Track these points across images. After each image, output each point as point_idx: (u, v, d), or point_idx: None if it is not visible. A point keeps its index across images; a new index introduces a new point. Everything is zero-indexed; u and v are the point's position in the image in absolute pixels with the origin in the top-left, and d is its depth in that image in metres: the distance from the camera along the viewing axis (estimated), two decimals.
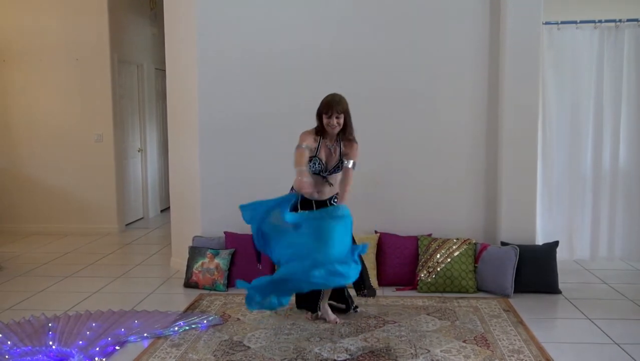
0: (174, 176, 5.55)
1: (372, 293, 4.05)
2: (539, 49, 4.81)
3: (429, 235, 4.90)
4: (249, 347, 3.56)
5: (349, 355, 3.44)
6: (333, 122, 3.71)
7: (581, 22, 5.06)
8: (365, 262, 4.38)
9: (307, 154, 3.70)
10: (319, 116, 3.76)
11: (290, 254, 3.43)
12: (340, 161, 3.78)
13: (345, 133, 3.79)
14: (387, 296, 4.56)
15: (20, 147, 7.28)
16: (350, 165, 3.77)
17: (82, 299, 4.58)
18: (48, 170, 7.25)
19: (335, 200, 3.85)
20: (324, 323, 3.95)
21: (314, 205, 3.81)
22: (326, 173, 3.79)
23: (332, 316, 3.99)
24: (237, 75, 5.05)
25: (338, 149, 3.80)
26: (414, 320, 4.01)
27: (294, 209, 3.79)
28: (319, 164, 3.75)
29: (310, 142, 3.75)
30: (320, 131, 3.78)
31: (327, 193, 3.84)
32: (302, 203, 3.77)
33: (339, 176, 3.83)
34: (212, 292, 4.69)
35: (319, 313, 4.02)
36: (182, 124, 5.33)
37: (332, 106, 3.70)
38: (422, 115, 5.02)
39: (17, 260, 5.88)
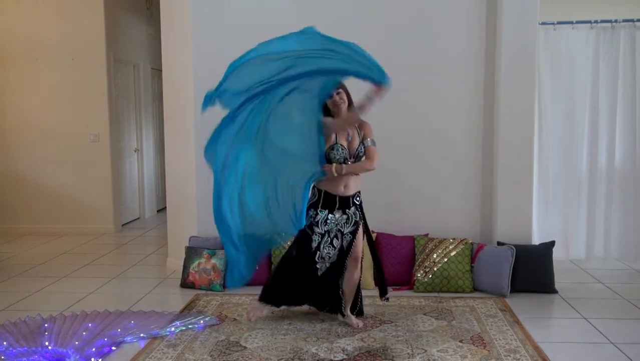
0: (170, 176, 5.54)
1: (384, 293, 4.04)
2: (535, 49, 4.82)
3: (426, 235, 4.90)
4: (245, 347, 3.56)
5: (346, 355, 3.44)
6: (336, 99, 3.67)
7: (577, 22, 5.08)
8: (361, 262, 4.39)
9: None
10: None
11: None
12: (361, 144, 3.72)
13: (351, 106, 3.72)
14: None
15: (15, 147, 7.26)
16: (370, 143, 3.71)
17: (78, 299, 4.57)
18: (44, 170, 7.23)
19: (358, 198, 3.84)
20: (320, 323, 3.95)
21: (337, 202, 3.75)
22: (352, 159, 3.70)
23: (354, 320, 3.94)
24: None
25: (356, 132, 3.74)
26: (410, 320, 4.01)
27: (314, 208, 3.76)
28: (342, 150, 3.66)
29: (327, 121, 3.65)
30: (331, 117, 3.71)
31: (353, 186, 3.78)
32: (325, 201, 3.75)
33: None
34: (208, 292, 4.68)
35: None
36: (178, 124, 5.32)
37: None
38: (417, 115, 5.02)
39: (12, 260, 5.86)
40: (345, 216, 3.80)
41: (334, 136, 3.67)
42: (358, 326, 3.88)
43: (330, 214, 3.77)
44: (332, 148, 3.65)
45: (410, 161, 5.03)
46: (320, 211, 3.77)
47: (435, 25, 4.95)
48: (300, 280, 3.92)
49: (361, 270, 4.00)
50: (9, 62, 7.17)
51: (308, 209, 3.74)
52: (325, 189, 3.74)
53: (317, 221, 3.77)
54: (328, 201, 3.76)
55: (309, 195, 3.74)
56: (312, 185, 3.75)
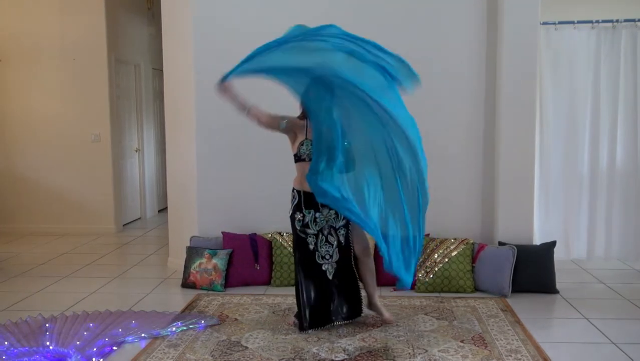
0: (171, 176, 5.54)
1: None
2: (536, 49, 4.82)
3: (427, 235, 4.88)
4: (246, 347, 3.56)
5: (347, 355, 3.44)
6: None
7: (578, 22, 5.08)
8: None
9: (277, 118, 3.73)
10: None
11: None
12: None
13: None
14: (385, 296, 4.55)
15: (17, 147, 7.26)
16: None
17: (80, 299, 4.57)
18: (45, 170, 7.24)
19: None
20: None
21: (319, 203, 3.71)
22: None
23: (386, 313, 3.93)
24: None
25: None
26: (411, 320, 4.01)
27: (299, 210, 3.75)
28: (311, 146, 3.64)
29: (293, 118, 3.76)
30: (305, 116, 3.72)
31: None
32: (306, 201, 3.72)
33: None
34: (209, 292, 4.68)
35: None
36: (179, 124, 5.32)
37: None
38: (419, 115, 4.96)
39: (14, 260, 5.87)
40: (332, 211, 3.75)
41: (302, 126, 3.75)
42: (390, 318, 3.91)
43: (317, 213, 3.75)
44: (302, 144, 3.72)
45: None
46: (307, 212, 3.75)
47: (436, 25, 4.95)
48: (316, 287, 3.80)
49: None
50: (11, 62, 7.18)
51: (294, 212, 3.77)
52: (302, 189, 3.72)
53: (307, 222, 3.76)
54: (309, 200, 3.72)
55: (290, 197, 3.82)
56: (292, 187, 3.81)
